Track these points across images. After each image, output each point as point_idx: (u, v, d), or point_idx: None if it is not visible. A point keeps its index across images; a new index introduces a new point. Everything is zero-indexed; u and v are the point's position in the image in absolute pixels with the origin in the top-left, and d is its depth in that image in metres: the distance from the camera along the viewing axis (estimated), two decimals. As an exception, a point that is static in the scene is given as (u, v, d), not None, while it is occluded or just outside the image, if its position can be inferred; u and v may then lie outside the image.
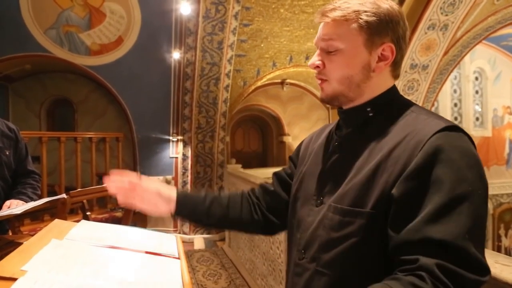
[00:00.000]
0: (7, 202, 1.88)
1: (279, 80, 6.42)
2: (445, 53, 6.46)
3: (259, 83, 6.38)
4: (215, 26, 5.19)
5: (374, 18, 0.80)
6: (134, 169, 6.50)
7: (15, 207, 1.82)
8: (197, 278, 4.30)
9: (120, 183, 1.03)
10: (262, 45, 5.87)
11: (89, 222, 1.25)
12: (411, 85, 6.27)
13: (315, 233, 0.85)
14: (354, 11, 0.81)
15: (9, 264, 0.84)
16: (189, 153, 6.32)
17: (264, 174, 5.50)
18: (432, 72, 6.17)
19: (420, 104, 6.49)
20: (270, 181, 1.15)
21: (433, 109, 8.93)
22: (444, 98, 9.64)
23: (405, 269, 0.66)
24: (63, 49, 5.59)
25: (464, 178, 0.68)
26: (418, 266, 0.64)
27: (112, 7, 5.38)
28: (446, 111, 9.73)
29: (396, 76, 0.88)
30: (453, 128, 0.73)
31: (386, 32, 0.81)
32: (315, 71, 0.88)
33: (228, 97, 6.09)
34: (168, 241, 1.14)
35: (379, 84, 0.85)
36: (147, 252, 1.00)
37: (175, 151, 6.39)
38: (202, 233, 6.30)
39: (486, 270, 0.65)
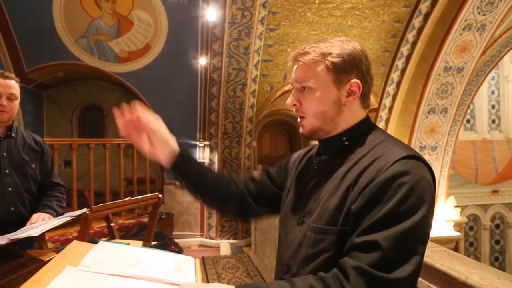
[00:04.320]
0: (34, 216, 1.88)
1: (306, 84, 6.31)
2: (482, 53, 6.11)
3: (286, 88, 6.30)
4: (241, 32, 5.16)
5: (338, 59, 0.91)
6: (161, 173, 6.57)
7: (41, 221, 1.83)
8: (222, 286, 4.28)
9: (129, 119, 1.05)
10: (289, 50, 5.78)
11: (106, 245, 1.22)
12: (445, 88, 5.97)
13: (297, 250, 0.94)
14: (321, 54, 0.92)
15: (19, 296, 0.82)
16: (215, 159, 6.33)
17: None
18: (468, 74, 5.83)
19: (455, 108, 6.21)
20: None
21: (468, 112, 8.52)
22: (481, 100, 9.19)
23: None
24: (93, 57, 5.74)
25: (411, 198, 0.78)
26: (339, 265, 0.78)
27: (139, 15, 5.46)
28: (482, 114, 9.28)
29: (366, 106, 0.99)
30: (413, 157, 0.84)
31: (351, 70, 0.92)
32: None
33: (255, 102, 6.05)
34: (186, 266, 1.10)
35: (351, 116, 0.96)
36: (160, 282, 0.97)
37: (202, 156, 6.41)
38: (228, 239, 6.29)
39: (404, 274, 0.73)
